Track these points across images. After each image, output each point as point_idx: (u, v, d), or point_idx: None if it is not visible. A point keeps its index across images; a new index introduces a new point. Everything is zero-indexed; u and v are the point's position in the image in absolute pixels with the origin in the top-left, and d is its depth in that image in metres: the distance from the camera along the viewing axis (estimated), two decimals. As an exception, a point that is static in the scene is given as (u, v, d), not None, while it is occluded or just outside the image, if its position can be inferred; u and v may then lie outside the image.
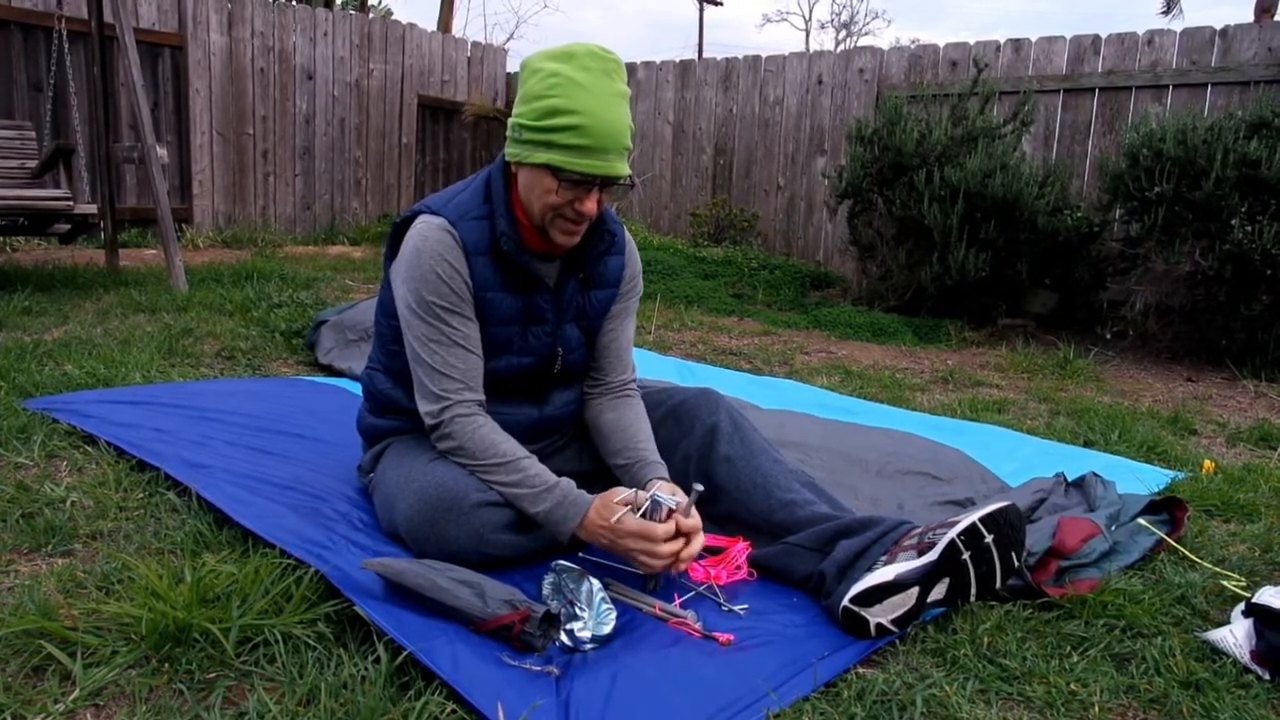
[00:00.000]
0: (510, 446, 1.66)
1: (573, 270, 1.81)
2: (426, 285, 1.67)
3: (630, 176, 1.66)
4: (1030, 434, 3.01)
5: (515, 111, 1.64)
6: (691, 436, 1.85)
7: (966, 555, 1.53)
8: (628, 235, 1.93)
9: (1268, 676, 1.44)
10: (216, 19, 7.32)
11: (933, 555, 1.51)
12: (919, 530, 1.59)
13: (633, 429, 1.84)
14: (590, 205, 1.63)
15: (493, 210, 1.71)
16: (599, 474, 1.91)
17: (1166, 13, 13.47)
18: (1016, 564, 1.61)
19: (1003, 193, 5.23)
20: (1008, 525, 1.57)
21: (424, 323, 1.69)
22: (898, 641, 1.50)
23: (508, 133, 1.68)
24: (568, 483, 1.64)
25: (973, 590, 1.56)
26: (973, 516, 1.54)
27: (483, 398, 1.73)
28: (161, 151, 4.78)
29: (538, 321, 1.78)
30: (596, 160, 1.58)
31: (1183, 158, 4.66)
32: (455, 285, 1.68)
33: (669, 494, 1.62)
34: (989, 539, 1.54)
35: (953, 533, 1.52)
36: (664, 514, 1.56)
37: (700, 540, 1.59)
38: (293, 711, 1.20)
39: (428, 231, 1.68)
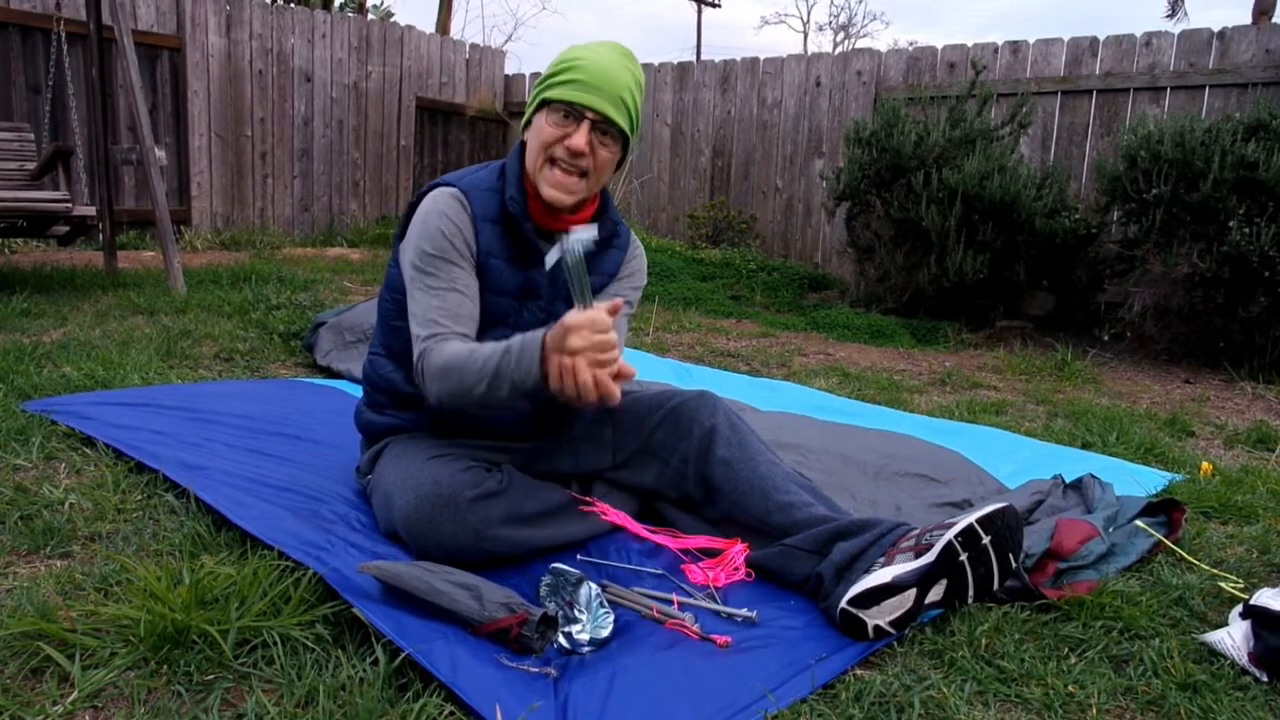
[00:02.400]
0: (467, 347, 1.62)
1: None
2: (430, 241, 1.73)
3: (623, 131, 1.71)
4: (1028, 436, 3.02)
5: None
6: (689, 439, 1.84)
7: (964, 557, 1.53)
8: (635, 239, 1.97)
9: (1265, 678, 1.44)
10: (215, 21, 7.32)
11: (930, 557, 1.51)
12: (916, 532, 1.59)
13: None
14: (579, 140, 1.67)
15: (505, 184, 1.78)
16: (602, 476, 1.91)
17: (1171, 15, 13.47)
18: (1014, 566, 1.61)
19: (1000, 194, 5.23)
20: (1005, 527, 1.57)
21: (423, 273, 1.73)
22: (895, 643, 1.50)
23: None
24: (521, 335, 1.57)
25: (970, 592, 1.56)
26: (970, 518, 1.54)
27: (469, 333, 1.72)
28: (160, 153, 4.78)
29: (533, 296, 1.82)
30: (587, 94, 1.66)
31: (1180, 160, 4.67)
32: (458, 243, 1.73)
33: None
34: (986, 540, 1.55)
35: (950, 534, 1.52)
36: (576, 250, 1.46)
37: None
38: (291, 713, 1.20)
39: (438, 196, 1.77)
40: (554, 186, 1.72)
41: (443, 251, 1.72)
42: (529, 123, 1.76)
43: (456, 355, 1.62)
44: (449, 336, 1.69)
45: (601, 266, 1.88)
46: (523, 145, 1.80)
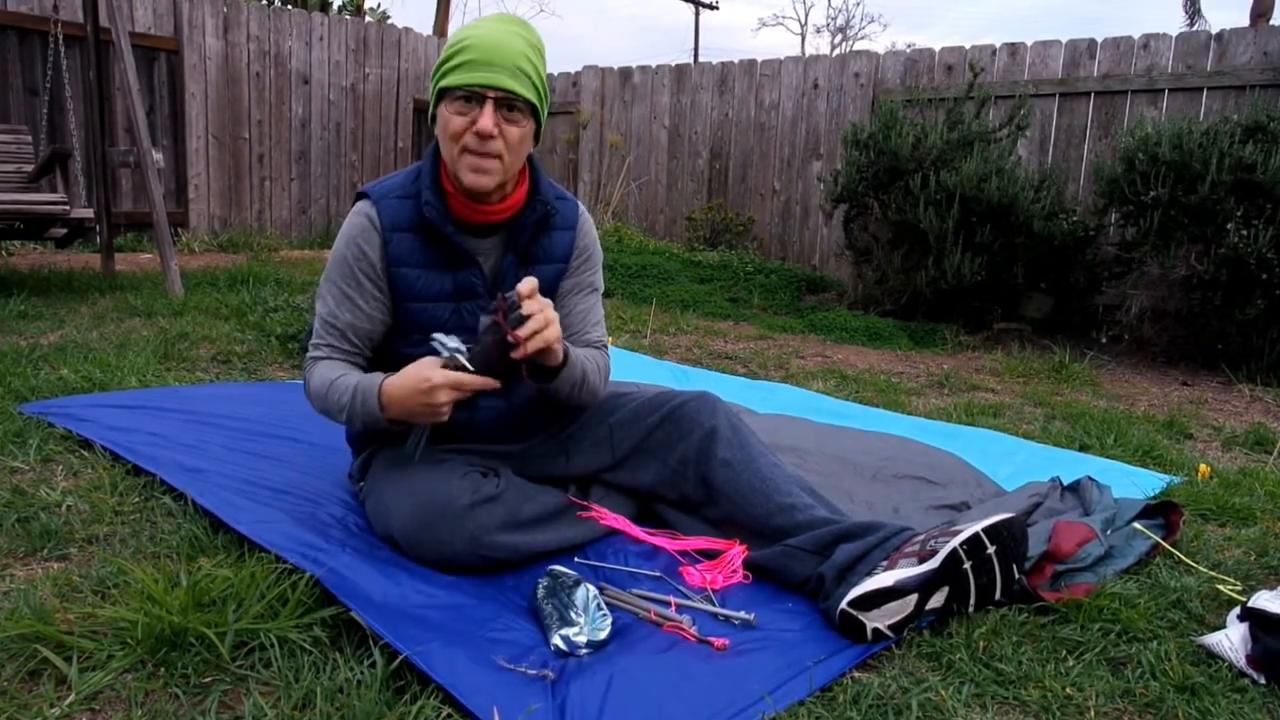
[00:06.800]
0: (330, 376, 1.71)
1: (511, 246, 1.81)
2: (336, 267, 1.78)
3: (533, 103, 1.67)
4: (1026, 438, 3.02)
5: None
6: (689, 440, 1.83)
7: (968, 565, 1.53)
8: (582, 210, 1.94)
9: (1263, 681, 1.44)
10: (212, 23, 7.32)
11: (934, 563, 1.50)
12: (921, 537, 1.58)
13: None
14: (486, 121, 1.63)
15: (420, 187, 1.76)
16: (600, 477, 1.91)
17: (1190, 26, 13.51)
18: (1017, 576, 1.61)
19: (998, 197, 5.24)
20: (1010, 538, 1.57)
21: (322, 300, 1.79)
22: (893, 645, 1.50)
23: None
24: (367, 375, 1.69)
25: (972, 600, 1.56)
26: (976, 527, 1.53)
27: (353, 353, 1.81)
28: (157, 156, 4.78)
29: (469, 298, 1.79)
30: (482, 73, 1.62)
31: (1178, 162, 4.68)
32: (361, 267, 1.75)
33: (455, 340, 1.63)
34: (991, 550, 1.54)
35: (955, 542, 1.51)
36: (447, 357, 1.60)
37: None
38: (289, 716, 1.20)
39: (353, 215, 1.79)
40: (472, 171, 1.68)
41: (344, 277, 1.76)
42: (435, 117, 1.72)
43: (321, 383, 1.72)
44: (326, 357, 1.77)
45: (551, 252, 1.85)
46: (437, 146, 1.76)
